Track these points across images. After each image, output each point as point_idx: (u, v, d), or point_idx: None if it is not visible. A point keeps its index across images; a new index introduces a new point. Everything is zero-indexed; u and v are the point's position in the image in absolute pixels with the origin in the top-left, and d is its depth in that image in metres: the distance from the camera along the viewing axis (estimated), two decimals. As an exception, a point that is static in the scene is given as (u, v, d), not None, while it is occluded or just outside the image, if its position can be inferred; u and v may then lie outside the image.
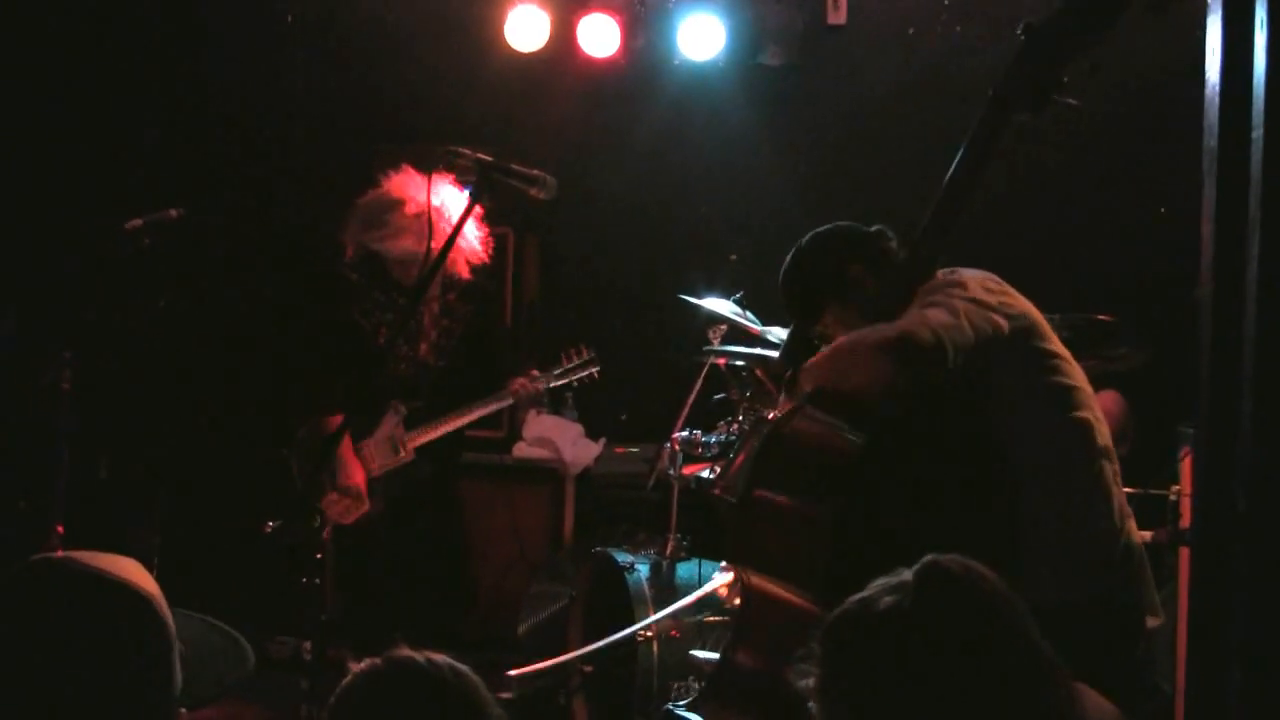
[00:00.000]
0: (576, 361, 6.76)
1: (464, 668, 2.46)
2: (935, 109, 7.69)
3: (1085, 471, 4.10)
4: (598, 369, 6.77)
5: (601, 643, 6.13)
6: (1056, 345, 4.19)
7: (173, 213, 6.70)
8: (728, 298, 6.49)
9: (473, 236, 6.49)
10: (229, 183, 8.53)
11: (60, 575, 2.50)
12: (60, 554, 2.55)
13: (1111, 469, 4.16)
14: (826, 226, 4.58)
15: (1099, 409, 4.25)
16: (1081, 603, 3.96)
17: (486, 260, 6.62)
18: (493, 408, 6.67)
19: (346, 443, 6.41)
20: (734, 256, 7.93)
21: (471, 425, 6.77)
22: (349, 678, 2.45)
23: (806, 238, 4.57)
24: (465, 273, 6.61)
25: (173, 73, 8.61)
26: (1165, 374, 5.78)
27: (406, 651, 2.46)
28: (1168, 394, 5.45)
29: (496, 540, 7.78)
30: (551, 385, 6.75)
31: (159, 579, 2.61)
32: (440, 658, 2.46)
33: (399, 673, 2.44)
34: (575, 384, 6.81)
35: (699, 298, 6.53)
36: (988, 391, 4.02)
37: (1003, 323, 4.00)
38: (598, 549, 6.57)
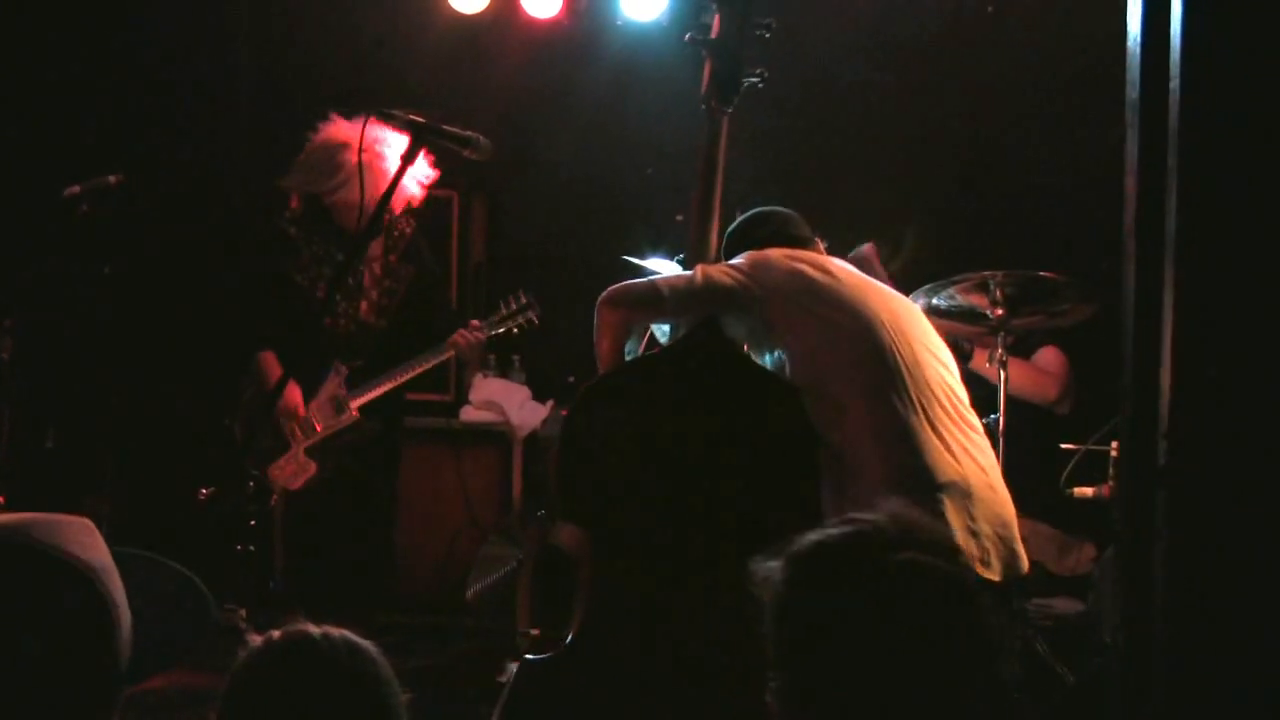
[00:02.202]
0: (515, 307, 6.75)
1: (364, 644, 2.43)
2: (878, 63, 7.71)
3: (852, 403, 4.44)
4: (536, 313, 6.76)
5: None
6: (821, 303, 4.57)
7: (111, 178, 6.67)
8: (671, 258, 6.48)
9: (413, 185, 6.46)
10: (167, 147, 8.46)
11: None
12: None
13: (902, 407, 4.46)
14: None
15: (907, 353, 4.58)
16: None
17: (419, 204, 6.61)
18: (434, 361, 6.68)
19: (289, 395, 6.42)
20: (680, 217, 7.90)
21: (417, 387, 6.77)
22: (244, 653, 2.42)
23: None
24: (406, 227, 6.63)
25: (111, 36, 8.53)
26: (1110, 330, 5.80)
27: (304, 626, 2.43)
28: (1113, 351, 5.47)
29: (445, 504, 7.77)
30: (491, 333, 6.73)
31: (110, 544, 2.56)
32: (338, 633, 2.42)
33: (292, 649, 2.41)
34: (515, 330, 6.80)
35: (643, 258, 6.52)
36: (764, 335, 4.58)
37: (748, 283, 4.53)
38: (544, 511, 6.56)
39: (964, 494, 4.43)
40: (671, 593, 4.14)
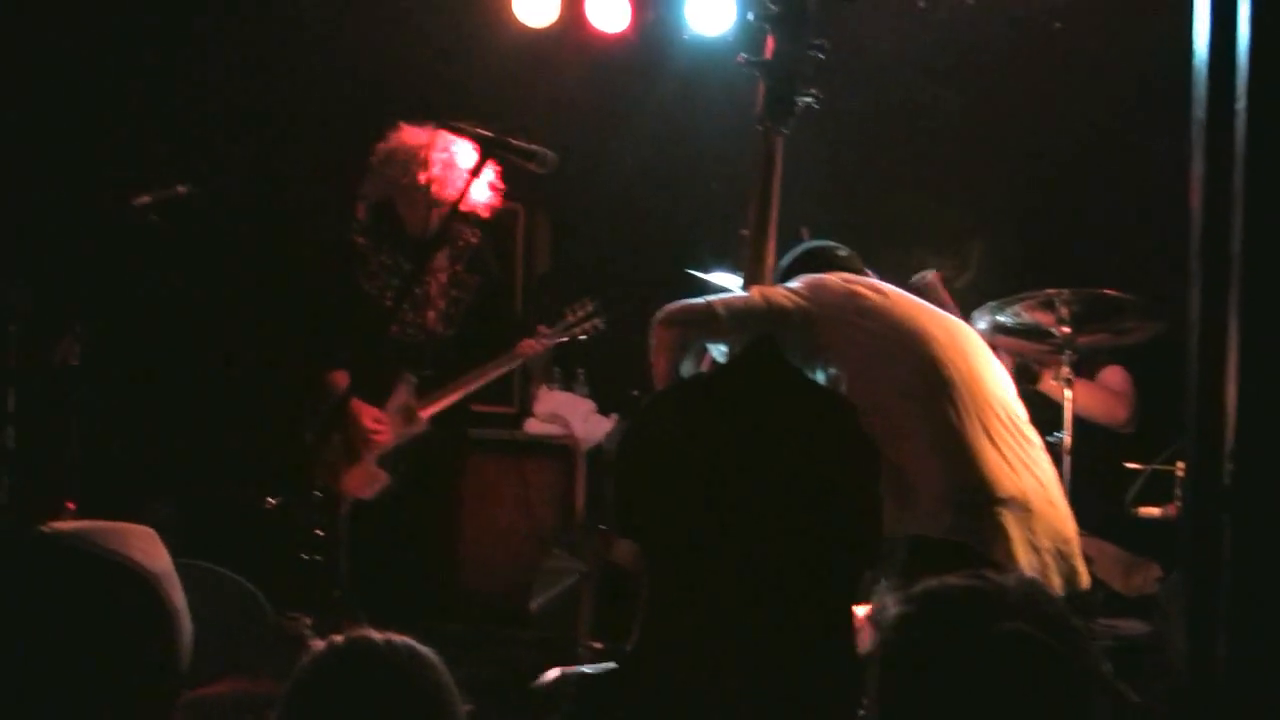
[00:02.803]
0: (581, 314, 6.79)
1: (425, 650, 2.45)
2: (941, 82, 7.68)
3: (910, 418, 4.49)
4: (601, 320, 6.79)
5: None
6: (875, 320, 4.63)
7: (180, 188, 6.72)
8: (735, 272, 6.48)
9: (481, 195, 6.50)
10: (236, 158, 8.51)
11: (54, 555, 2.46)
12: (59, 527, 2.51)
13: (962, 424, 4.48)
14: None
15: (970, 374, 4.62)
16: (922, 538, 4.36)
17: (488, 215, 6.65)
18: (504, 369, 6.72)
19: (358, 406, 6.46)
20: (744, 231, 7.90)
21: (481, 399, 6.80)
22: (307, 658, 2.44)
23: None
24: (472, 237, 6.67)
25: (181, 49, 8.59)
26: (1175, 349, 5.76)
27: (366, 631, 2.45)
28: (1178, 369, 5.44)
29: (508, 516, 7.79)
30: (558, 340, 6.77)
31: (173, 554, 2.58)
32: (400, 639, 2.44)
33: (354, 653, 2.43)
34: (581, 336, 6.83)
35: (708, 272, 6.53)
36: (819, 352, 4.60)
37: (804, 303, 4.57)
38: (606, 525, 6.58)
39: (1023, 508, 4.43)
40: (729, 609, 4.13)
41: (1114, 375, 6.62)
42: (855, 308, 4.61)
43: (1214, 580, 2.45)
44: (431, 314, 6.67)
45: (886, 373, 4.52)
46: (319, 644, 2.46)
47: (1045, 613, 2.31)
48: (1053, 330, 6.03)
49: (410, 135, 6.59)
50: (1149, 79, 7.11)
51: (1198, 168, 2.56)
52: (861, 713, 2.43)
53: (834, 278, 4.76)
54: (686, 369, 4.67)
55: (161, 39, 8.58)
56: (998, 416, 4.54)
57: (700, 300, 4.67)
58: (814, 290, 4.63)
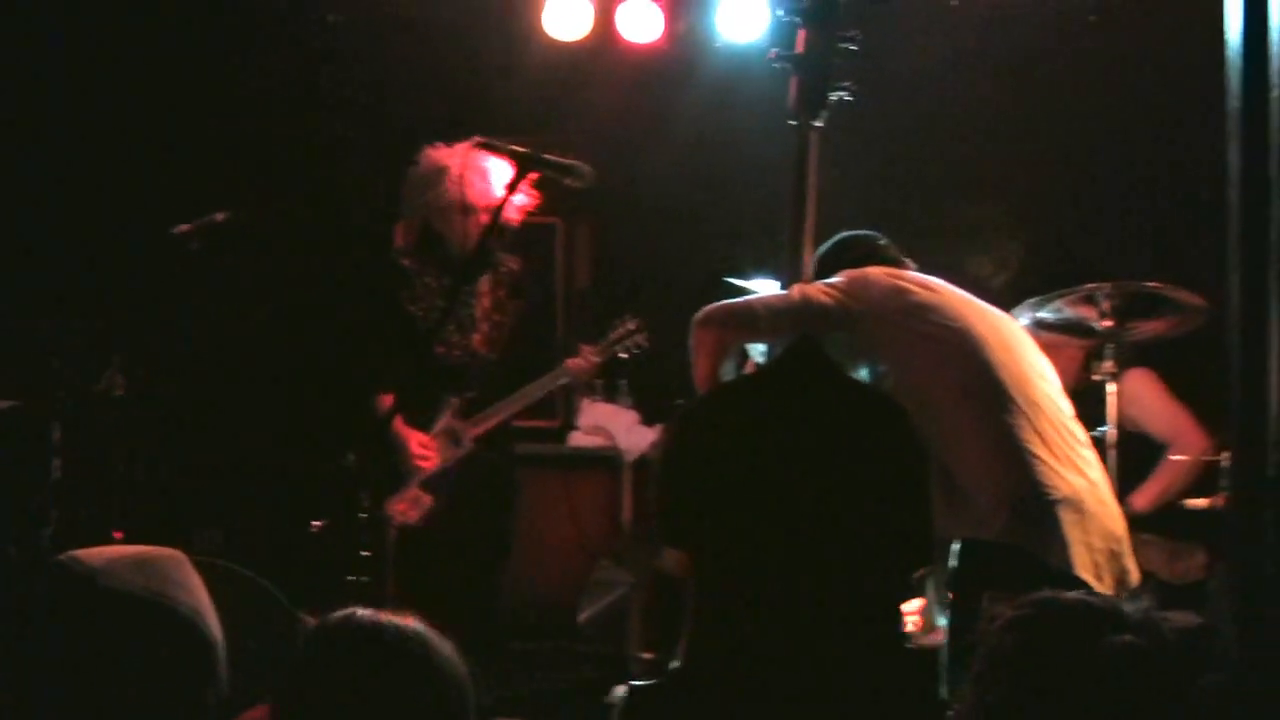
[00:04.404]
0: (624, 332, 6.79)
1: (420, 629, 2.42)
2: (981, 82, 7.67)
3: (960, 420, 4.44)
4: (645, 337, 6.79)
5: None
6: (923, 318, 4.56)
7: (219, 216, 6.75)
8: (777, 279, 6.47)
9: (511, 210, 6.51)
10: (278, 184, 8.55)
11: (93, 595, 2.44)
12: (91, 560, 2.48)
13: (1015, 424, 4.44)
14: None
15: (1018, 374, 4.56)
16: (976, 541, 4.28)
17: (518, 221, 6.64)
18: (549, 388, 6.72)
19: (404, 429, 6.48)
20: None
21: (526, 415, 6.80)
22: (300, 641, 2.43)
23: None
24: (512, 263, 6.68)
25: (216, 76, 8.63)
26: (1217, 340, 5.74)
27: (354, 611, 2.43)
28: (1222, 360, 5.41)
29: (555, 529, 7.81)
30: (603, 357, 6.78)
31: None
32: (389, 617, 2.42)
33: (344, 634, 2.41)
34: (626, 355, 6.83)
35: (747, 280, 6.52)
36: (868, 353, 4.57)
37: (846, 300, 4.50)
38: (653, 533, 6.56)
39: (1078, 509, 4.40)
40: (778, 615, 4.11)
41: (1138, 378, 6.50)
42: (902, 305, 4.54)
43: (1260, 571, 2.43)
44: (477, 336, 6.68)
45: (936, 373, 4.47)
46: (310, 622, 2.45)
47: (1160, 633, 2.31)
48: (1095, 325, 6.00)
49: (438, 154, 6.61)
50: (1184, 69, 7.09)
51: (1234, 157, 2.55)
52: (950, 714, 2.41)
53: (878, 272, 4.68)
54: (727, 371, 4.64)
55: (202, 69, 8.63)
56: (1047, 415, 4.49)
57: (740, 301, 4.67)
58: (856, 287, 4.56)
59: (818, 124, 4.74)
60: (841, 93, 4.76)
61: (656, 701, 4.16)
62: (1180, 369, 6.62)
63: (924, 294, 4.60)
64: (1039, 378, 4.58)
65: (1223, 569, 5.89)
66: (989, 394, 4.45)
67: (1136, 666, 2.27)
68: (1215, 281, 5.63)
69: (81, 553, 2.51)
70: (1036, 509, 4.33)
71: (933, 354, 4.48)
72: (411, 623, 2.43)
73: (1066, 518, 4.36)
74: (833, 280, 4.61)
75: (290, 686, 2.41)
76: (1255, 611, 2.41)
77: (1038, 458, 4.38)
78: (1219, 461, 5.86)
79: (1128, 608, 2.34)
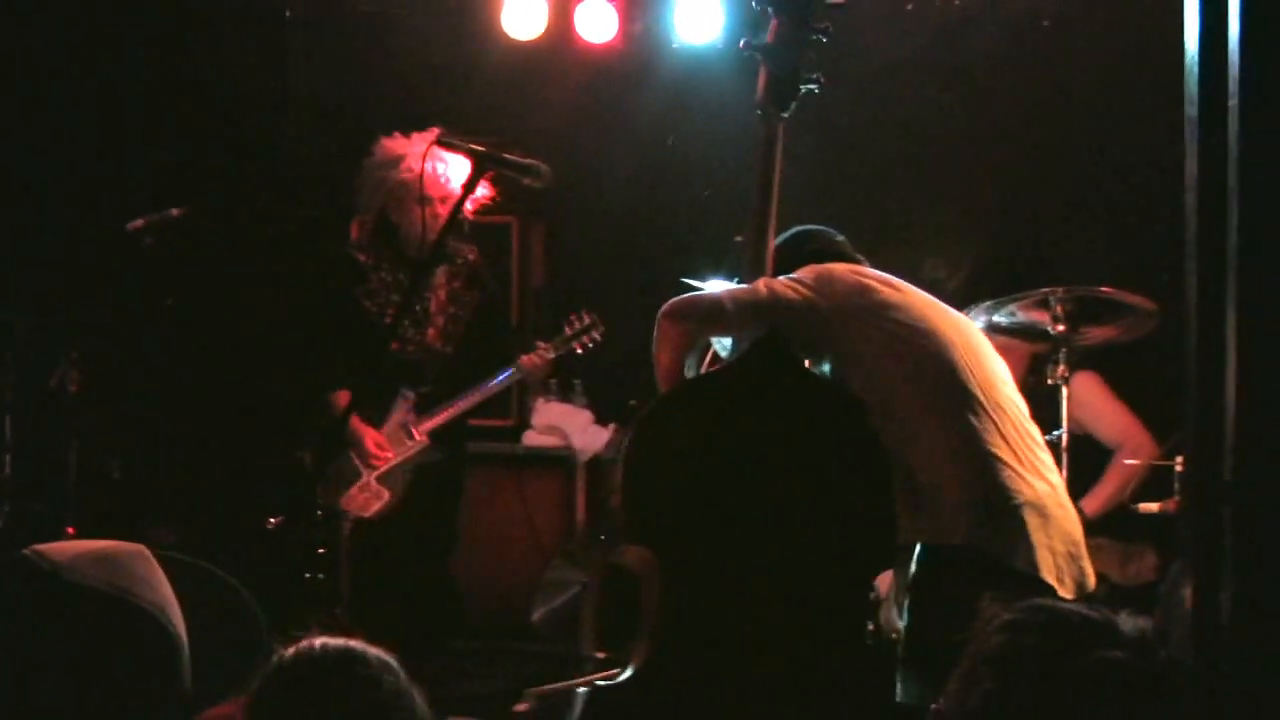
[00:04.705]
0: (579, 327, 6.81)
1: (365, 651, 2.41)
2: (935, 85, 7.70)
3: (926, 422, 4.38)
4: (600, 332, 6.81)
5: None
6: (889, 318, 4.49)
7: (174, 212, 6.74)
8: (730, 279, 6.48)
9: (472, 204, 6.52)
10: (229, 179, 8.53)
11: (56, 592, 2.43)
12: (53, 555, 2.47)
13: (980, 427, 4.39)
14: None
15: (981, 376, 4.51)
16: (938, 545, 4.29)
17: (472, 213, 6.65)
18: (503, 385, 6.74)
19: (359, 425, 6.49)
20: (739, 238, 7.89)
21: (479, 413, 6.82)
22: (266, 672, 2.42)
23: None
24: (469, 254, 6.70)
25: (171, 70, 8.60)
26: (1171, 345, 5.78)
27: (312, 640, 2.43)
28: (1174, 365, 5.45)
29: (509, 528, 7.81)
30: (557, 354, 6.78)
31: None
32: (336, 643, 2.41)
33: (294, 666, 2.40)
34: (580, 350, 6.84)
35: (704, 280, 6.53)
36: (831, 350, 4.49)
37: (811, 296, 4.43)
38: (606, 535, 6.57)
39: (1041, 513, 4.37)
40: (743, 612, 4.11)
41: (1085, 383, 6.53)
42: (867, 303, 4.48)
43: (1216, 576, 2.45)
44: (431, 331, 6.70)
45: (901, 375, 4.42)
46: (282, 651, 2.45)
47: (1153, 655, 2.32)
48: (1049, 329, 6.02)
49: (395, 144, 6.63)
50: (1138, 75, 7.14)
51: (1192, 165, 2.57)
52: (934, 706, 2.41)
53: (842, 268, 4.63)
54: (689, 367, 4.60)
55: (153, 60, 8.59)
56: (1011, 419, 4.45)
57: (706, 294, 4.62)
58: (822, 282, 4.50)
59: (785, 115, 4.66)
60: (811, 85, 4.69)
61: (619, 702, 4.13)
62: (1130, 373, 6.65)
63: (889, 292, 4.55)
64: (1001, 381, 4.56)
65: (1174, 571, 5.93)
66: (955, 397, 4.41)
67: (1123, 685, 2.27)
68: (1167, 287, 5.69)
69: (44, 547, 2.50)
70: (1003, 513, 4.31)
71: (898, 354, 4.44)
72: (380, 653, 2.42)
73: (1031, 521, 4.33)
74: (798, 275, 4.55)
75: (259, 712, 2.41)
76: (1211, 615, 2.43)
77: (1003, 461, 4.35)
78: (1170, 466, 5.89)
79: (1125, 625, 2.34)
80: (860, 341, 4.45)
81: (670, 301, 4.57)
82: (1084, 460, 6.12)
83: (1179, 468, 5.73)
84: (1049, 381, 6.08)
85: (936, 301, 4.73)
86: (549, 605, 7.10)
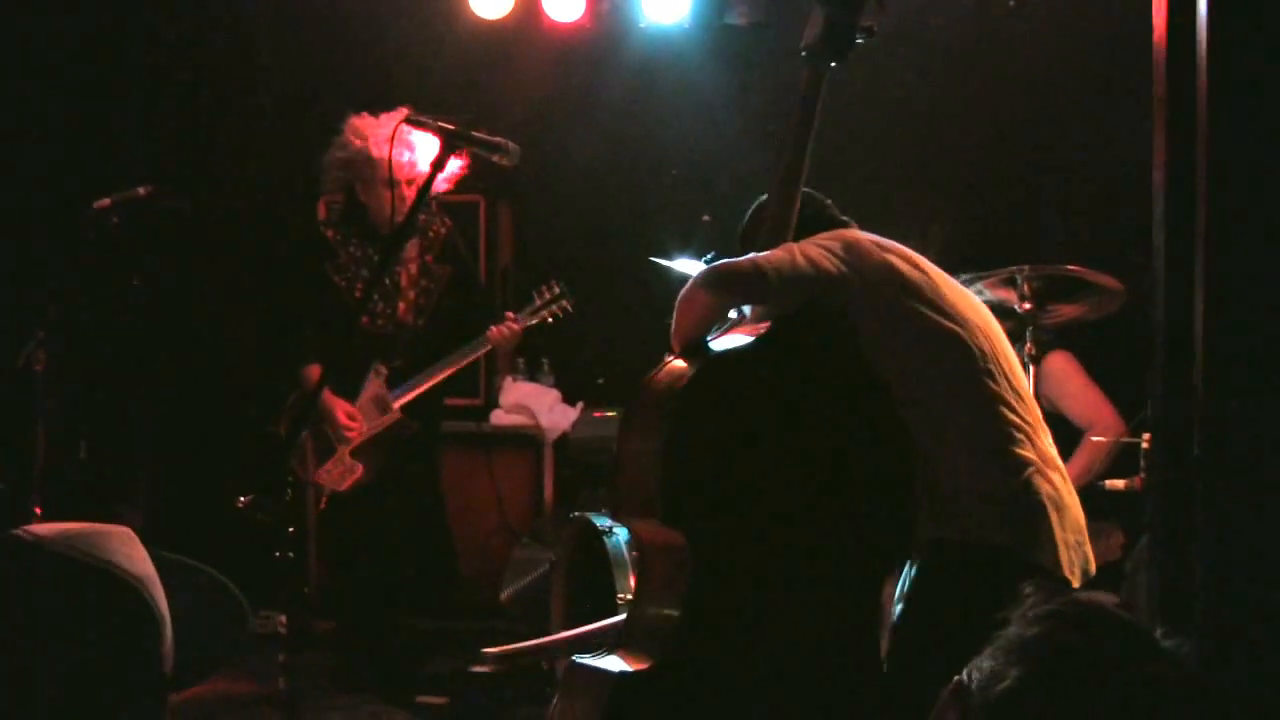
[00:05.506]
0: (548, 297, 6.81)
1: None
2: (901, 66, 7.71)
3: (947, 414, 4.17)
4: (570, 302, 6.81)
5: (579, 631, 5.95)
6: (931, 300, 4.24)
7: (141, 190, 6.72)
8: (700, 259, 6.49)
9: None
10: (197, 157, 8.52)
11: (39, 562, 2.44)
12: (40, 532, 2.48)
13: (1006, 418, 4.18)
14: None
15: (993, 364, 4.26)
16: (953, 540, 4.08)
17: (444, 191, 6.66)
18: (474, 356, 6.76)
19: (331, 399, 6.50)
20: (707, 217, 7.92)
21: (448, 391, 6.82)
22: None
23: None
24: (441, 228, 6.72)
25: (138, 48, 8.58)
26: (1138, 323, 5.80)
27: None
28: (1139, 343, 5.47)
29: (477, 507, 7.83)
30: (527, 324, 6.79)
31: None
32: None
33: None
34: (550, 320, 6.84)
35: (671, 260, 6.54)
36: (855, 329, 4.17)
37: (846, 270, 4.15)
38: (577, 513, 6.57)
39: (1059, 507, 4.21)
40: (769, 598, 3.95)
41: (1058, 362, 6.54)
42: (895, 282, 4.22)
43: (1183, 552, 2.48)
44: (402, 305, 6.71)
45: (931, 363, 4.19)
46: None
47: (1187, 672, 2.31)
48: (1016, 308, 6.04)
49: (363, 123, 6.64)
50: (1103, 56, 7.17)
51: (1160, 143, 2.59)
52: (958, 678, 2.36)
53: (868, 240, 4.33)
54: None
55: (119, 41, 8.57)
56: (1030, 409, 4.28)
57: (744, 261, 4.13)
58: (852, 254, 4.22)
59: (839, 62, 4.43)
60: (864, 34, 4.47)
61: (647, 689, 3.95)
62: (1095, 352, 6.67)
63: (915, 274, 4.29)
64: (1019, 367, 4.37)
65: (1141, 548, 5.95)
66: (985, 391, 4.20)
67: (1160, 700, 2.26)
68: (1135, 265, 5.71)
69: (29, 526, 2.51)
70: (1029, 511, 4.14)
71: (927, 343, 4.21)
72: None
73: (1053, 518, 4.18)
74: (827, 245, 4.24)
75: None
76: (1177, 591, 2.45)
77: (1029, 459, 4.06)
78: (1136, 443, 5.91)
79: (1165, 642, 2.33)
80: (886, 325, 4.19)
81: (706, 269, 4.21)
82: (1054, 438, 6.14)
83: (1145, 445, 5.74)
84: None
85: (955, 282, 4.47)
86: (517, 584, 7.11)
